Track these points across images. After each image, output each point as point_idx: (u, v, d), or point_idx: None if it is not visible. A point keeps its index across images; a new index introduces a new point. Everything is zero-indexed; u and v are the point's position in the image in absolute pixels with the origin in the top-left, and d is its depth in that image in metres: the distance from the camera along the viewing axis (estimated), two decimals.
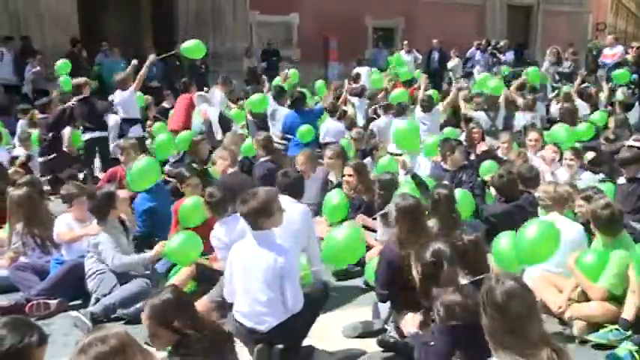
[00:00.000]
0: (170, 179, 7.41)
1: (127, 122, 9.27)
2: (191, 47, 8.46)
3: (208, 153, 7.71)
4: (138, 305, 4.44)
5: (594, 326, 4.25)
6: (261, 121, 10.02)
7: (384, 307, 4.40)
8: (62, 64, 10.65)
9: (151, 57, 9.63)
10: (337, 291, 5.08)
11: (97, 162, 9.18)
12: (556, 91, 12.88)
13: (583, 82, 12.26)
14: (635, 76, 12.38)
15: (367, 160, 7.80)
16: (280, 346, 3.76)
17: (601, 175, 6.91)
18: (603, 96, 11.61)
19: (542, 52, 19.18)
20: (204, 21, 16.18)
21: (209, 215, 5.27)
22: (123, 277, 4.92)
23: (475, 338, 2.91)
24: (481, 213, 5.93)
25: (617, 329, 4.10)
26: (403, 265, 4.02)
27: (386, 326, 4.32)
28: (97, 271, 4.95)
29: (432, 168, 7.29)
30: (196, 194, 5.80)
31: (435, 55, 17.98)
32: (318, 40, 19.04)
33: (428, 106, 9.57)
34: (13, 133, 10.22)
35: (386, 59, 16.11)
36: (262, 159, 7.44)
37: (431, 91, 11.14)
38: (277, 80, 11.62)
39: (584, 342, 4.23)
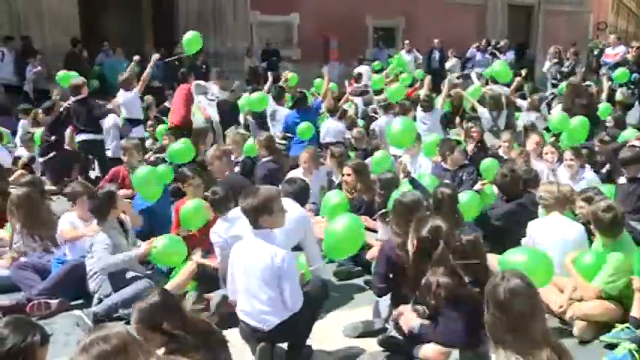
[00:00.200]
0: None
1: (130, 122, 9.24)
2: (190, 39, 8.77)
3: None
4: None
5: (594, 326, 4.25)
6: (259, 119, 9.99)
7: (385, 307, 4.40)
8: (63, 75, 10.23)
9: (154, 57, 9.58)
10: (338, 291, 5.09)
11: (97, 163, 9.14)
12: (557, 90, 12.85)
13: (584, 80, 12.24)
14: (635, 75, 12.38)
15: (368, 161, 7.79)
16: (285, 345, 3.76)
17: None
18: (604, 95, 11.60)
19: (543, 52, 19.20)
20: (205, 21, 16.13)
21: (211, 217, 5.29)
22: (123, 278, 4.88)
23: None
24: (485, 216, 5.91)
25: (628, 327, 4.07)
26: (401, 262, 4.05)
27: (387, 325, 4.32)
28: (97, 271, 4.94)
29: (432, 168, 7.30)
30: (198, 195, 5.80)
31: (436, 55, 18.00)
32: (319, 40, 19.00)
33: (428, 106, 9.57)
34: (14, 133, 10.23)
35: (386, 59, 16.10)
36: (264, 159, 7.44)
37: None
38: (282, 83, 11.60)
39: (584, 342, 4.22)
